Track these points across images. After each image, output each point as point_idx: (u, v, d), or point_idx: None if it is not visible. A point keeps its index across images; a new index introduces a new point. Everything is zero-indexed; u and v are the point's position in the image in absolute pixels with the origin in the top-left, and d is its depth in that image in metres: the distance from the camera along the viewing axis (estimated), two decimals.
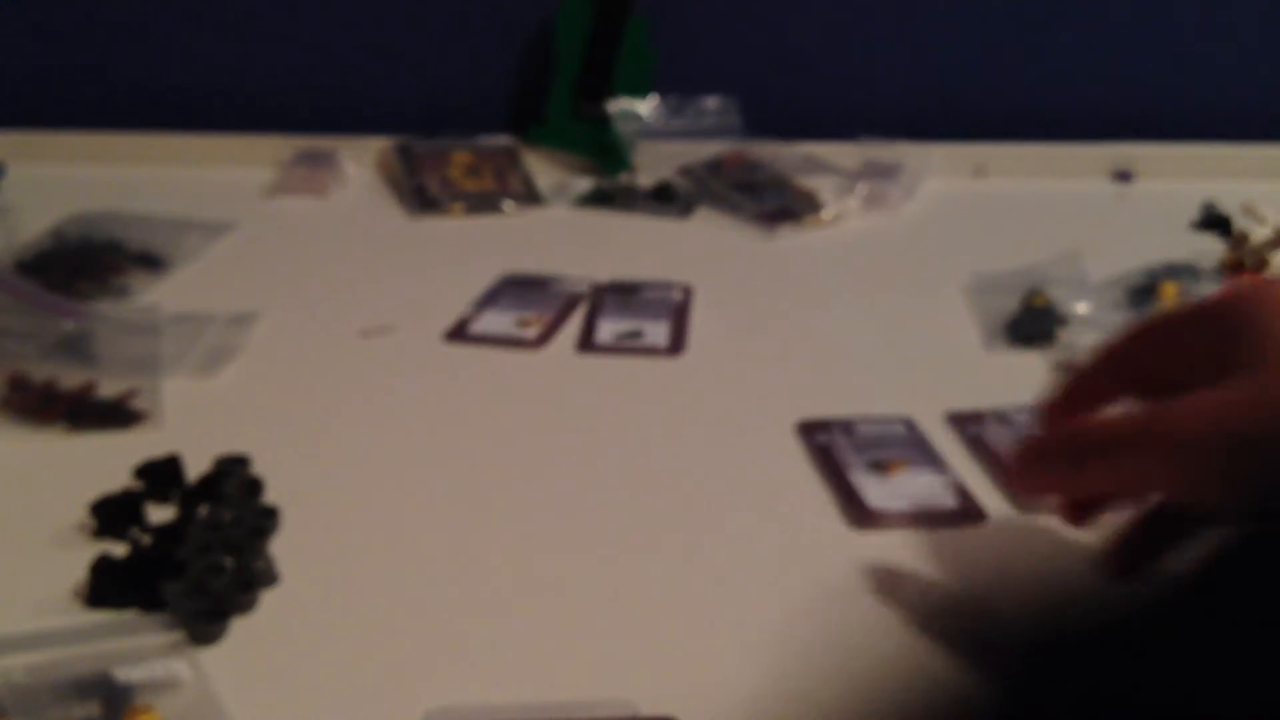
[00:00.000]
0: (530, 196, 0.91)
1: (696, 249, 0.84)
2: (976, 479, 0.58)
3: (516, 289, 0.77)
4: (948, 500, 0.55)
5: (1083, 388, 0.45)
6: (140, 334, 0.66)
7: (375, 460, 0.59)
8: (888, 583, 0.50)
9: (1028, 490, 0.48)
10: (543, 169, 0.96)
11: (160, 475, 0.56)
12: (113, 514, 0.53)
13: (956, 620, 0.48)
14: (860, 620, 0.48)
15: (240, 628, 0.48)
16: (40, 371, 0.63)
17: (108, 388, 0.62)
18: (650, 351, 0.70)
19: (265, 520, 0.53)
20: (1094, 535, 0.48)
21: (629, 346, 0.70)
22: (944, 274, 0.79)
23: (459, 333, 0.71)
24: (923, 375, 0.68)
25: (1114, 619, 0.40)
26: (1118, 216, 0.92)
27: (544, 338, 0.71)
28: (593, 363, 0.69)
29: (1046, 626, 0.47)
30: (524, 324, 0.72)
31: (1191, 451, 0.38)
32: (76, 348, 0.65)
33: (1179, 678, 0.33)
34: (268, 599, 0.49)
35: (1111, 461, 0.41)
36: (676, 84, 0.99)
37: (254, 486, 0.55)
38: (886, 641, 0.47)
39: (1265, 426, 0.37)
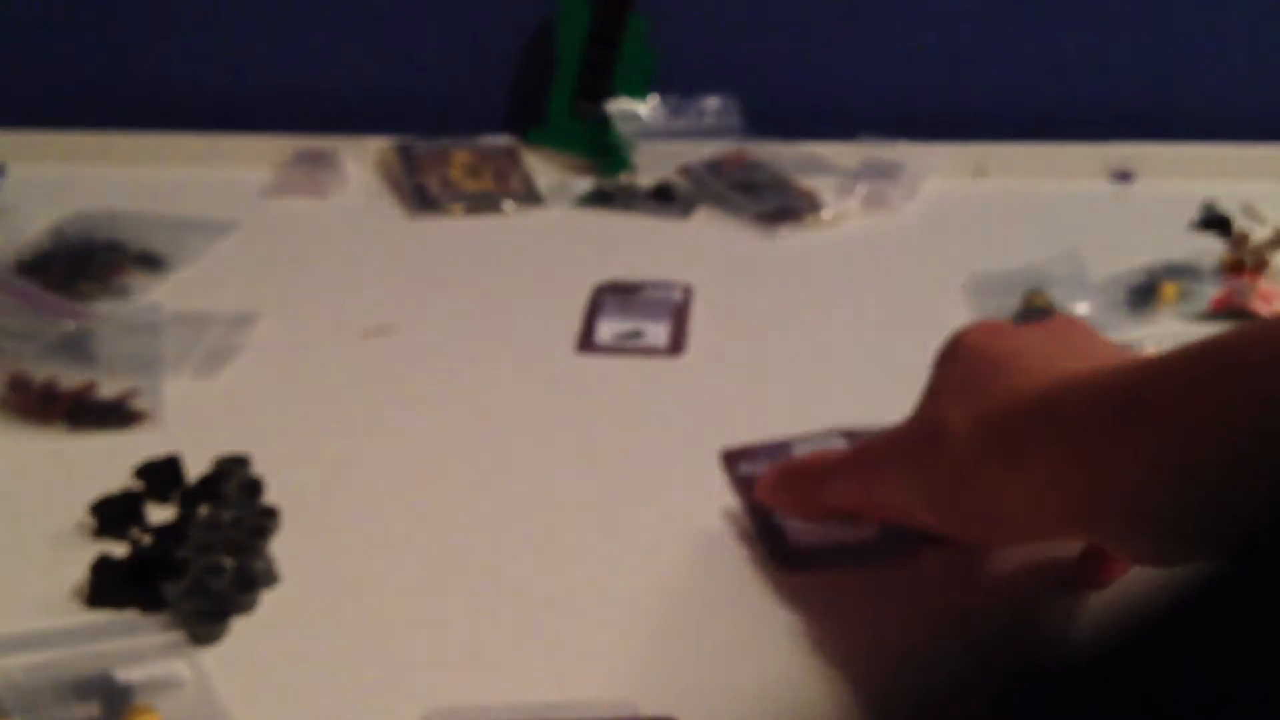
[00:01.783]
0: (530, 196, 0.91)
1: (696, 249, 0.84)
2: None
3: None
4: None
5: None
6: (140, 334, 0.66)
7: (375, 460, 0.59)
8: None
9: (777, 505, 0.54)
10: (543, 169, 0.96)
11: (160, 475, 0.56)
12: (113, 514, 0.53)
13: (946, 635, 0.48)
14: (860, 618, 0.48)
15: (240, 628, 0.48)
16: (40, 371, 0.63)
17: (108, 388, 0.62)
18: (650, 351, 0.70)
19: (265, 520, 0.53)
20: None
21: (629, 346, 0.70)
22: (944, 274, 0.79)
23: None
24: (923, 375, 0.68)
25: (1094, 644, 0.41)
26: (1118, 216, 0.92)
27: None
28: (592, 363, 0.69)
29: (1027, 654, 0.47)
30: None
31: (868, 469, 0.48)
32: (76, 348, 0.65)
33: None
34: (268, 599, 0.49)
35: (823, 487, 0.50)
36: (676, 84, 0.99)
37: (254, 487, 0.56)
38: (888, 642, 0.47)
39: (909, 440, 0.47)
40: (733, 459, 0.58)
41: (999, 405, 0.43)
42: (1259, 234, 0.78)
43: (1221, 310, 0.74)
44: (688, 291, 0.77)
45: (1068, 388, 0.41)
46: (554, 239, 0.86)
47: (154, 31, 1.01)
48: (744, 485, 0.56)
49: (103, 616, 0.48)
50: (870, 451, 0.49)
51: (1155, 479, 0.37)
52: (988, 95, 1.04)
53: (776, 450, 0.59)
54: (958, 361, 0.48)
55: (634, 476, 0.58)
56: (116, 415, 0.61)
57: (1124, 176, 0.97)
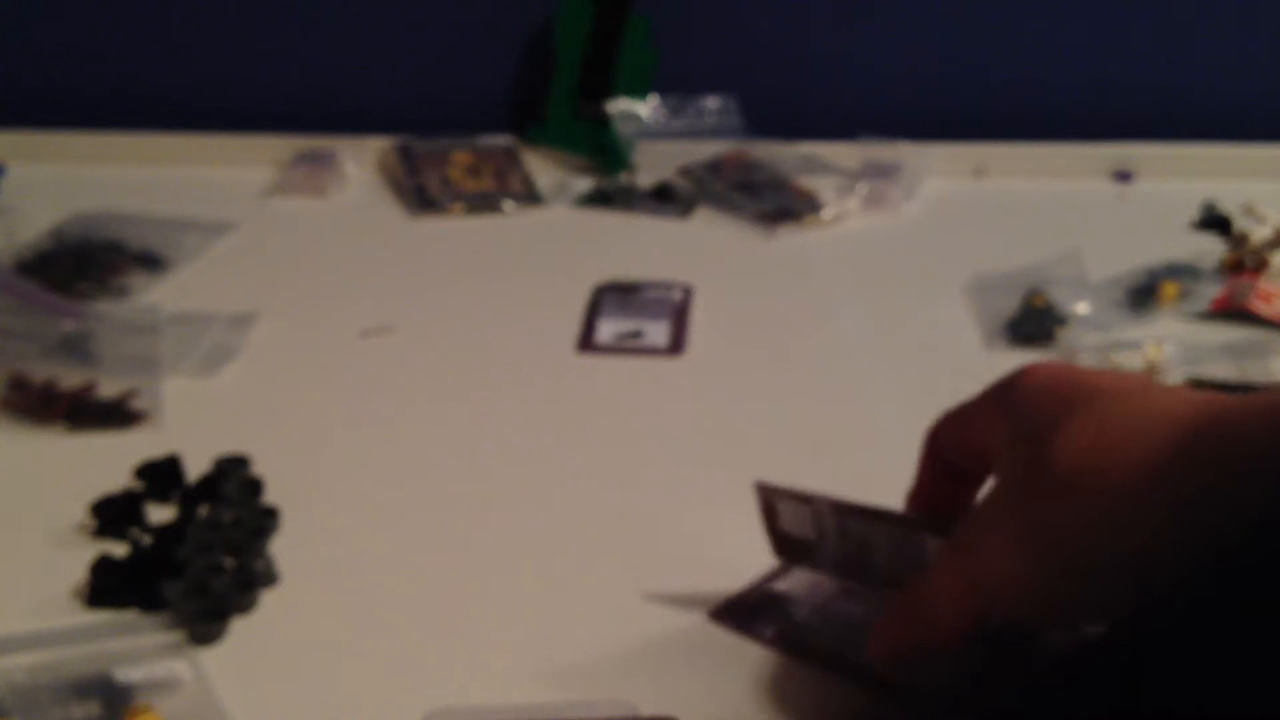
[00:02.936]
0: (530, 196, 0.91)
1: (696, 249, 0.84)
2: None
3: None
4: None
5: (922, 491, 0.47)
6: (140, 334, 0.66)
7: (375, 460, 0.59)
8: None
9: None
10: (543, 169, 0.96)
11: (160, 475, 0.56)
12: (113, 514, 0.53)
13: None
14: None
15: (240, 628, 0.48)
16: (40, 371, 0.63)
17: (108, 388, 0.62)
18: (650, 351, 0.70)
19: (265, 520, 0.53)
20: None
21: (629, 346, 0.70)
22: (944, 274, 0.79)
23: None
24: (923, 375, 0.68)
25: None
26: (1118, 216, 0.92)
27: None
28: (593, 363, 0.69)
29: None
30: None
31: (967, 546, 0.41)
32: (76, 348, 0.65)
33: None
34: (268, 599, 0.49)
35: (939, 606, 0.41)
36: (676, 84, 0.99)
37: (254, 487, 0.56)
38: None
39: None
40: (731, 614, 0.49)
41: (1125, 432, 0.37)
42: (1259, 234, 0.79)
43: (1221, 310, 0.74)
44: (688, 291, 0.77)
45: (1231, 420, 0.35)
46: (554, 239, 0.86)
47: (154, 31, 1.01)
48: (771, 641, 0.47)
49: (103, 616, 0.48)
50: (967, 524, 0.42)
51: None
52: (988, 95, 1.04)
53: (770, 599, 0.49)
54: (1024, 398, 0.41)
55: (631, 476, 0.58)
56: (116, 415, 0.61)
57: (1124, 176, 0.97)
